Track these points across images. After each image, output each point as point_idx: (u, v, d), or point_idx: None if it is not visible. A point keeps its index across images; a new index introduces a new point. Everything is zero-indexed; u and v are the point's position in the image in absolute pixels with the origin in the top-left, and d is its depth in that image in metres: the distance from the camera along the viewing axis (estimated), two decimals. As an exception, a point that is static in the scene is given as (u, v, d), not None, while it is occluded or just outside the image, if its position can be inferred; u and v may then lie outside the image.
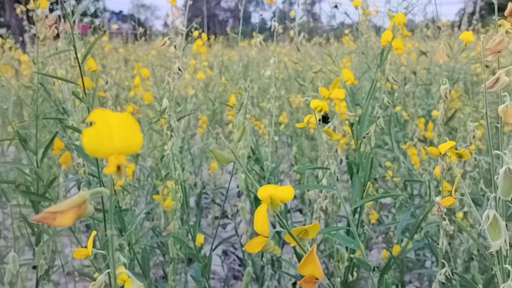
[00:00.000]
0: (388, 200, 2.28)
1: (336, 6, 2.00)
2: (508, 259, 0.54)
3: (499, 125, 0.59)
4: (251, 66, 1.40)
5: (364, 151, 1.19)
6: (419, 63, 2.32)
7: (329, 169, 0.99)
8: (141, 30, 3.50)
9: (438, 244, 0.93)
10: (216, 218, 2.54)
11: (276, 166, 1.27)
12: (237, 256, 2.32)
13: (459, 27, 4.55)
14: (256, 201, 1.28)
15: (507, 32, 0.56)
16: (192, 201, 2.41)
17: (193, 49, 1.94)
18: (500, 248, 0.48)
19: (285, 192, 0.44)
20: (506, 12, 0.47)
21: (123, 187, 1.19)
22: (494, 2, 0.56)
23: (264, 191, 0.43)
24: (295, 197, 2.42)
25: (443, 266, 0.90)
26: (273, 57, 1.22)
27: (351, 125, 1.16)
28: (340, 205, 1.29)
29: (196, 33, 1.95)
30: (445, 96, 0.90)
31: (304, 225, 0.61)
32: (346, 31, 2.60)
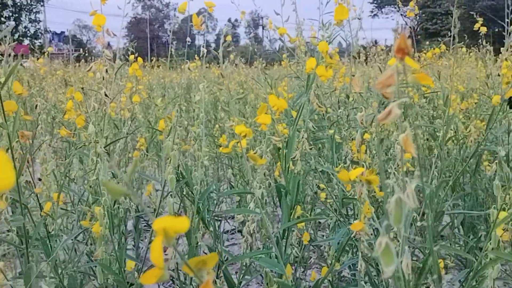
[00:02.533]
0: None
1: (263, 27, 2.03)
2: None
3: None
4: (181, 90, 1.40)
5: (291, 175, 1.22)
6: (352, 87, 2.39)
7: (252, 193, 1.00)
8: (81, 51, 3.46)
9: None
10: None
11: (207, 190, 1.27)
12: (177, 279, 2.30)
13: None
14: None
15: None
16: (130, 224, 2.37)
17: (129, 72, 1.94)
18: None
19: (179, 224, 0.44)
20: (393, 50, 0.50)
21: (47, 213, 1.17)
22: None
23: (158, 223, 0.44)
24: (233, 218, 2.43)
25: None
26: (202, 83, 1.23)
27: (278, 149, 1.18)
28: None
29: (132, 57, 1.94)
30: (361, 123, 0.93)
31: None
32: (284, 55, 2.64)
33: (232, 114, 1.09)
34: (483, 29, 2.02)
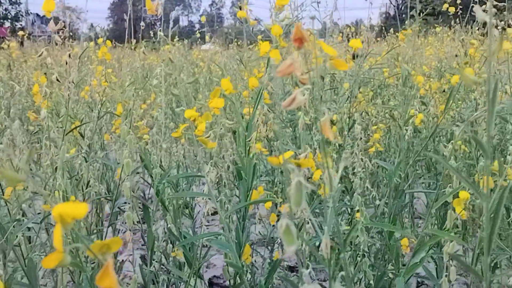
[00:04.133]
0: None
1: (240, 8, 2.03)
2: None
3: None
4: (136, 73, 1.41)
5: (247, 158, 1.23)
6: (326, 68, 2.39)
7: (203, 176, 1.02)
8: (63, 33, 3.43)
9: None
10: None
11: (166, 173, 1.29)
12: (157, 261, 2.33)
13: (381, 31, 4.71)
14: (145, 208, 1.30)
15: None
16: (107, 208, 2.39)
17: (98, 56, 1.94)
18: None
19: (75, 210, 0.46)
20: (292, 37, 0.51)
21: (6, 200, 1.18)
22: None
23: (56, 210, 0.46)
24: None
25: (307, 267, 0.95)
26: (159, 66, 1.24)
27: (233, 132, 1.19)
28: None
29: (100, 40, 1.94)
30: (304, 106, 0.94)
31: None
32: (259, 37, 2.64)
33: (181, 98, 1.11)
34: (452, 9, 2.04)
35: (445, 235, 0.93)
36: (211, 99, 1.17)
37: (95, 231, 1.79)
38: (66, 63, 1.44)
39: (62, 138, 1.19)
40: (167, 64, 1.18)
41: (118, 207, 2.23)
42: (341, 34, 3.11)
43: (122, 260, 2.12)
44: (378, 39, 5.28)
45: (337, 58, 0.66)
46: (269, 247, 1.82)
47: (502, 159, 1.31)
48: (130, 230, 1.20)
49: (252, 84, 1.34)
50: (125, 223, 2.74)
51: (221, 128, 1.22)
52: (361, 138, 1.48)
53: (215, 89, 1.17)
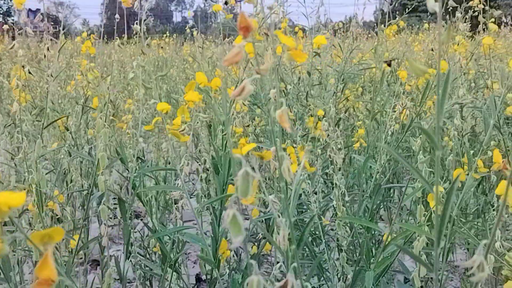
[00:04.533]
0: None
1: (226, 3, 2.03)
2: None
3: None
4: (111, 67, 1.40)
5: (223, 152, 1.23)
6: (312, 64, 2.39)
7: (174, 170, 1.02)
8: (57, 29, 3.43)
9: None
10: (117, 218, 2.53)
11: (142, 166, 1.29)
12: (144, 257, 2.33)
13: (373, 28, 4.71)
14: (120, 202, 1.30)
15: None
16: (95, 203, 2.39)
17: (82, 50, 1.93)
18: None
19: (12, 199, 0.45)
20: (238, 26, 0.51)
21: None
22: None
23: (-9, 198, 0.45)
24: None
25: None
26: (135, 60, 1.23)
27: (209, 126, 1.19)
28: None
29: (84, 34, 1.93)
30: (274, 99, 0.93)
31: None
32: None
33: (154, 91, 1.10)
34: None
35: (414, 228, 0.93)
36: (186, 93, 1.16)
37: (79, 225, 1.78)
38: (45, 57, 1.43)
39: (40, 131, 1.19)
40: (140, 57, 1.17)
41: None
42: (329, 30, 3.11)
43: (111, 256, 2.12)
44: (370, 35, 5.28)
45: (295, 50, 0.66)
46: (256, 243, 1.81)
47: (472, 151, 1.31)
48: (105, 224, 1.19)
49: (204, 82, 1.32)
50: (116, 217, 2.74)
51: (197, 122, 1.21)
52: (335, 134, 1.48)
53: (190, 82, 1.16)
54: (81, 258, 1.88)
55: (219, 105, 1.20)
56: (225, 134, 1.20)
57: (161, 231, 1.25)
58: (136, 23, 1.27)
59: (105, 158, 1.17)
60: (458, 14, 1.54)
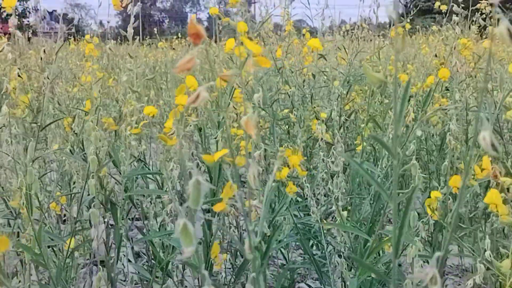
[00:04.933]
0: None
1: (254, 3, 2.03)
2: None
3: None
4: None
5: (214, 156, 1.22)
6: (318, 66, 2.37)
7: (161, 174, 1.01)
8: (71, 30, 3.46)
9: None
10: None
11: (134, 170, 1.28)
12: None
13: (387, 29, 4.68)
14: (112, 206, 1.30)
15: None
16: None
17: (85, 52, 1.94)
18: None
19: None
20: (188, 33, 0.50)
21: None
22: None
23: None
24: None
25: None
26: (129, 63, 1.23)
27: (199, 129, 1.19)
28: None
29: (87, 37, 1.94)
30: (258, 103, 0.93)
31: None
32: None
33: (141, 95, 1.10)
34: (443, 7, 2.01)
35: (339, 226, 0.91)
36: (176, 96, 1.16)
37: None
38: (41, 59, 1.44)
39: (36, 134, 1.19)
40: (132, 60, 1.17)
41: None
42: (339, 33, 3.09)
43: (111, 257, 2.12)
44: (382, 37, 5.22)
45: (261, 56, 0.65)
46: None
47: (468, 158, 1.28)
48: (95, 227, 1.19)
49: (194, 86, 1.32)
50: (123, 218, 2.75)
51: (189, 126, 1.21)
52: (335, 138, 1.46)
53: (180, 85, 1.16)
54: (87, 259, 1.90)
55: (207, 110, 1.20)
56: (215, 138, 1.20)
57: (149, 235, 1.25)
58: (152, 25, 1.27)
59: (95, 161, 1.17)
60: (455, 18, 1.51)
